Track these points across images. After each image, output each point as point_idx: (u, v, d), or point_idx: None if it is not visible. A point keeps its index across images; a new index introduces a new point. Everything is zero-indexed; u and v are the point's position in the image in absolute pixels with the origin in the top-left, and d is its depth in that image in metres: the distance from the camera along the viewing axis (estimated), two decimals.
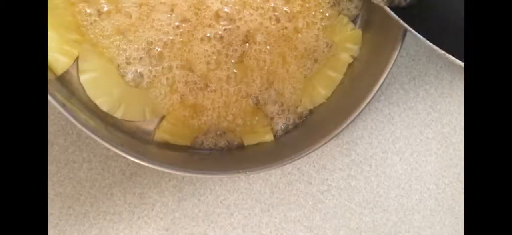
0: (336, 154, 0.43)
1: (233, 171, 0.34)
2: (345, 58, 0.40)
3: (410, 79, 0.44)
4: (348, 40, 0.39)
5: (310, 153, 0.35)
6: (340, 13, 0.39)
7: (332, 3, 0.38)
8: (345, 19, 0.39)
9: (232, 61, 0.36)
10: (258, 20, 0.36)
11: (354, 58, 0.40)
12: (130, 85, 0.35)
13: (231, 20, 0.36)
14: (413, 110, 0.44)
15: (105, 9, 0.34)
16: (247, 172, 0.34)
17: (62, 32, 0.33)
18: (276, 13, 0.37)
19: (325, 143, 0.35)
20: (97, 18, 0.34)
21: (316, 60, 0.39)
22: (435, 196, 0.44)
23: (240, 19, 0.36)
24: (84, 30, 0.33)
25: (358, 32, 0.40)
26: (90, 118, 0.34)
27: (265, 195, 0.42)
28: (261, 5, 0.36)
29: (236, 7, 0.36)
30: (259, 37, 0.36)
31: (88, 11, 0.33)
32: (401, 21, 0.31)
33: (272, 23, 0.37)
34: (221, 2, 0.35)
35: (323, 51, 0.39)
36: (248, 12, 0.36)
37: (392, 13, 0.32)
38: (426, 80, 0.44)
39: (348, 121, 0.36)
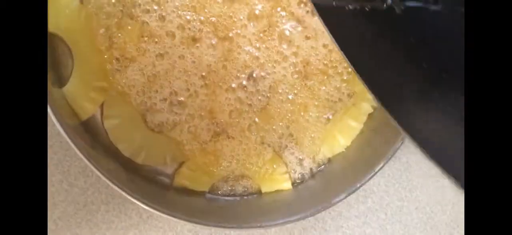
0: (352, 201, 0.43)
1: (252, 224, 0.35)
2: (366, 108, 0.39)
3: None
4: None
5: (329, 207, 0.35)
6: None
7: None
8: None
9: (254, 110, 0.36)
10: (282, 72, 0.36)
11: (374, 108, 0.39)
12: (152, 131, 0.35)
13: (257, 71, 0.36)
14: None
15: (132, 56, 0.34)
16: (265, 227, 0.34)
17: (88, 79, 0.33)
18: (300, 68, 0.37)
19: (345, 197, 0.35)
20: (123, 66, 0.34)
21: (336, 110, 0.39)
22: None
23: (265, 70, 0.36)
24: (111, 78, 0.34)
25: None
26: (111, 161, 0.34)
27: None
28: (287, 59, 0.36)
29: (261, 61, 0.36)
30: (282, 88, 0.36)
31: (115, 59, 0.33)
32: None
33: (296, 77, 0.37)
34: (247, 53, 0.36)
35: (344, 101, 0.39)
36: (271, 65, 0.36)
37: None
38: None
39: (369, 176, 0.36)
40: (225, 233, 0.40)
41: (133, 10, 0.33)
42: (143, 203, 0.32)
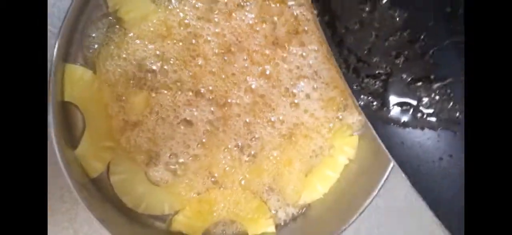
0: None
1: None
2: (342, 160, 0.44)
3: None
4: (346, 144, 0.44)
5: None
6: (342, 122, 0.44)
7: (339, 117, 0.43)
8: (345, 126, 0.44)
9: (245, 166, 0.41)
10: (274, 134, 0.41)
11: (350, 161, 0.44)
12: (153, 185, 0.39)
13: (249, 134, 0.40)
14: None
15: (137, 120, 0.37)
16: None
17: (98, 141, 0.37)
18: (290, 130, 0.41)
19: None
20: (129, 129, 0.37)
21: (316, 163, 0.44)
22: None
23: (256, 133, 0.41)
24: (117, 139, 0.37)
25: (355, 138, 0.44)
26: (115, 213, 0.38)
27: None
28: (279, 124, 0.41)
29: (253, 127, 0.40)
30: (269, 147, 0.41)
31: (122, 123, 0.37)
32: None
33: (286, 138, 0.41)
34: (246, 123, 0.40)
35: (324, 155, 0.44)
36: (264, 130, 0.40)
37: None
38: None
39: (345, 225, 0.41)
40: None
41: (141, 81, 0.37)
42: None
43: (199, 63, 0.38)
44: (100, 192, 0.38)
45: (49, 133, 0.32)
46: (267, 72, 0.40)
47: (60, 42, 0.33)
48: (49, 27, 0.35)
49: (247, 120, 0.41)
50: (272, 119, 0.41)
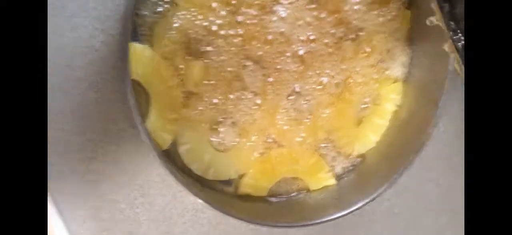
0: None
1: (306, 221, 0.41)
2: (390, 107, 0.46)
3: None
4: (392, 92, 0.46)
5: (375, 198, 0.41)
6: (385, 71, 0.45)
7: (383, 66, 0.45)
8: (389, 74, 0.46)
9: (301, 126, 0.43)
10: (324, 93, 0.43)
11: (398, 106, 0.46)
12: (218, 151, 0.41)
13: (302, 96, 0.42)
14: None
15: (197, 91, 0.40)
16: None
17: (164, 114, 0.39)
18: (340, 87, 0.43)
19: (385, 190, 0.42)
20: (191, 100, 0.39)
21: (366, 114, 0.45)
22: None
23: (308, 95, 0.43)
24: (181, 110, 0.39)
25: (399, 84, 0.46)
26: (186, 178, 0.40)
27: (325, 227, 0.48)
28: (328, 85, 0.43)
29: (306, 87, 0.42)
30: (324, 105, 0.43)
31: (183, 94, 0.39)
32: None
33: (336, 96, 0.43)
34: (297, 81, 0.42)
35: (372, 104, 0.45)
36: (315, 91, 0.42)
37: None
38: None
39: (403, 167, 0.42)
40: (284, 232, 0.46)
41: (196, 51, 0.39)
42: (216, 209, 0.38)
43: (249, 29, 0.40)
44: (174, 164, 0.40)
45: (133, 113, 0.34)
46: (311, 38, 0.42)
47: (121, 24, 0.36)
48: (105, 12, 0.37)
49: (298, 82, 0.42)
50: (322, 80, 0.43)
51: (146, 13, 0.38)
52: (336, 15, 0.42)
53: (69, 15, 0.36)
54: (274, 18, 0.41)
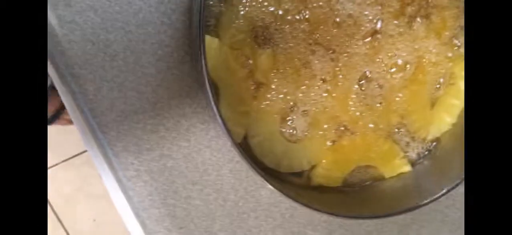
0: None
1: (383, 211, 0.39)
2: (464, 85, 0.43)
3: None
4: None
5: (453, 188, 0.39)
6: (459, 48, 0.43)
7: (456, 43, 0.42)
8: (462, 51, 0.43)
9: (372, 108, 0.41)
10: (397, 76, 0.41)
11: None
12: (290, 142, 0.40)
13: (373, 81, 0.40)
14: None
15: (266, 81, 0.38)
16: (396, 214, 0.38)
17: (234, 107, 0.38)
18: (412, 69, 0.41)
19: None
20: (260, 91, 0.38)
21: (440, 94, 0.43)
22: None
23: (380, 79, 0.41)
24: (251, 102, 0.38)
25: None
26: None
27: (400, 216, 0.46)
28: (400, 65, 0.41)
29: (377, 71, 0.40)
30: (397, 88, 0.41)
31: (252, 86, 0.38)
32: None
33: (408, 78, 0.41)
34: (367, 65, 0.40)
35: (446, 84, 0.43)
36: (387, 75, 0.40)
37: None
38: None
39: None
40: (355, 222, 0.45)
41: (264, 37, 0.38)
42: (292, 198, 0.36)
43: (316, 12, 0.38)
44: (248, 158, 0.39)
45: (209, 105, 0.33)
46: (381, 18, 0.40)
47: (187, 17, 0.35)
48: (170, 5, 0.37)
49: (369, 66, 0.41)
50: (394, 61, 0.41)
51: (211, 2, 0.37)
52: None
53: (136, 11, 0.36)
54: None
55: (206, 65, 0.32)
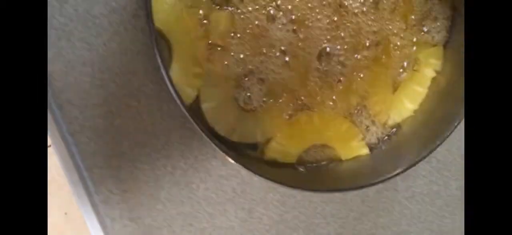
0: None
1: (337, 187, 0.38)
2: (429, 73, 0.43)
3: None
4: (431, 56, 0.42)
5: (407, 169, 0.38)
6: (425, 33, 0.42)
7: (423, 29, 0.41)
8: (429, 37, 0.42)
9: (333, 89, 0.40)
10: (359, 57, 0.40)
11: (437, 73, 0.43)
12: (244, 111, 0.39)
13: (334, 56, 0.40)
14: None
15: (221, 43, 0.37)
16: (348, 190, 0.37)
17: (187, 67, 0.36)
18: (375, 49, 0.40)
19: (422, 159, 0.38)
20: (215, 53, 0.37)
21: (402, 79, 0.42)
22: None
23: (341, 55, 0.40)
24: (204, 64, 0.37)
25: (439, 48, 0.43)
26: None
27: (357, 203, 0.45)
28: (361, 47, 0.40)
29: (338, 47, 0.39)
30: (358, 68, 0.40)
31: (207, 47, 0.37)
32: None
33: (370, 59, 0.40)
34: (329, 41, 0.39)
35: (410, 70, 0.42)
36: (348, 53, 0.40)
37: None
38: None
39: (441, 139, 0.38)
40: (309, 201, 0.43)
41: (221, 0, 0.37)
42: (245, 166, 0.35)
43: None
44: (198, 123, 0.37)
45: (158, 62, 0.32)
46: None
47: None
48: None
49: (330, 42, 0.40)
50: (357, 40, 0.40)
51: None
52: None
53: None
54: None
55: (152, 18, 0.30)
